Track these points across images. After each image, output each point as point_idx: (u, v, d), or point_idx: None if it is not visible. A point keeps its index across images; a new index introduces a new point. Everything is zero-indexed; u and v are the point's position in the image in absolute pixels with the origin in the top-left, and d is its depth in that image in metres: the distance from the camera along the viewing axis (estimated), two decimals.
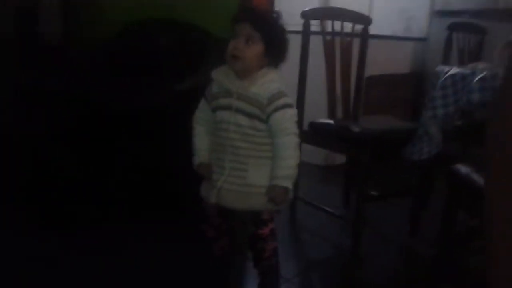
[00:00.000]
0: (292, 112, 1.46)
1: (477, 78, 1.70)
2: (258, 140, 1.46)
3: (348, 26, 2.35)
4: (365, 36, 2.44)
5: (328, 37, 2.31)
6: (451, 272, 1.72)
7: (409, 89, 3.77)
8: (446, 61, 2.46)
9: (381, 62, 3.28)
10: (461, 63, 2.59)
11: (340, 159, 3.01)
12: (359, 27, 2.42)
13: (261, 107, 1.44)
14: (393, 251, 2.25)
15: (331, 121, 2.26)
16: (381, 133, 2.10)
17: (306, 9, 2.24)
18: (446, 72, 1.88)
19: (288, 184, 1.43)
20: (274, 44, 1.46)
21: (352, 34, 2.39)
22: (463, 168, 1.57)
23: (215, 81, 1.53)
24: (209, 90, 1.55)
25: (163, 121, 2.17)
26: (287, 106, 1.45)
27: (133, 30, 2.68)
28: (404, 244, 2.30)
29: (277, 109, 1.43)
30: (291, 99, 1.49)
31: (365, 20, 2.43)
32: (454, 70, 1.86)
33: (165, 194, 2.18)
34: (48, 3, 2.98)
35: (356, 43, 2.41)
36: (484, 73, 1.70)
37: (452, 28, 2.51)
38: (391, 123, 2.35)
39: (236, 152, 1.47)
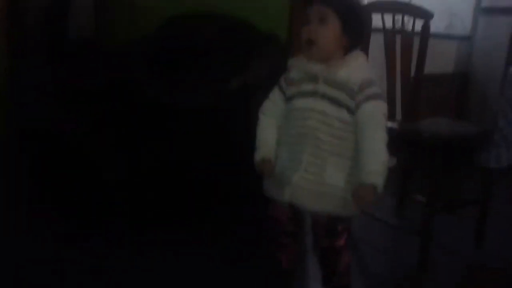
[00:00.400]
0: (384, 105, 1.32)
1: None
2: (343, 135, 1.31)
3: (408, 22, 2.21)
4: (425, 32, 2.27)
5: (390, 34, 2.16)
6: None
7: (454, 89, 3.60)
8: (509, 60, 2.28)
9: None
10: None
11: None
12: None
13: (351, 94, 1.29)
14: (459, 264, 2.08)
15: (394, 124, 2.09)
16: (453, 137, 1.93)
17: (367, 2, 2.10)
18: None
19: (381, 181, 1.26)
20: (351, 18, 1.32)
21: (413, 31, 2.23)
22: None
23: (294, 67, 1.39)
24: (286, 77, 1.41)
25: (213, 119, 2.04)
26: (379, 96, 1.31)
27: (176, 25, 2.54)
28: (470, 257, 2.13)
29: (369, 99, 1.29)
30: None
31: (427, 14, 2.27)
32: None
33: (218, 196, 2.04)
34: None
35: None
36: None
37: None
38: (457, 126, 2.18)
39: (317, 145, 1.32)
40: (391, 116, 2.19)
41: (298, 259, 1.63)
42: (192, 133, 2.04)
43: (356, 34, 1.34)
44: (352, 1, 1.37)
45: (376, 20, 2.18)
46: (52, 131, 2.25)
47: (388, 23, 2.19)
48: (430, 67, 3.46)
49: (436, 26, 3.70)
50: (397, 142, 2.00)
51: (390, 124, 2.09)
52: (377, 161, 1.26)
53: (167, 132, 2.08)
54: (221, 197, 2.06)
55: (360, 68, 1.33)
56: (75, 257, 1.76)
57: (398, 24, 2.21)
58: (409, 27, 2.19)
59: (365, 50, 1.63)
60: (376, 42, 2.19)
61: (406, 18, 2.18)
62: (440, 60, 3.61)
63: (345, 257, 1.42)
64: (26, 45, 2.70)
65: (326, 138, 1.31)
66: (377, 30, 2.18)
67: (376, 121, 1.29)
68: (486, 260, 2.10)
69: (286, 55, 2.30)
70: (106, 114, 2.17)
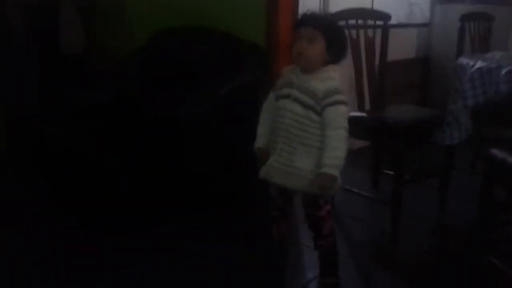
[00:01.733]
0: (345, 109, 1.64)
1: (504, 71, 1.91)
2: (309, 130, 1.65)
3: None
4: (386, 30, 2.62)
5: (353, 32, 2.50)
6: (489, 243, 1.94)
7: (416, 74, 3.98)
8: (460, 50, 2.65)
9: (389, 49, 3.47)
10: (473, 50, 2.79)
11: (359, 143, 3.21)
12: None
13: (316, 99, 1.62)
14: (427, 227, 2.47)
15: (363, 114, 2.45)
16: (412, 122, 2.30)
17: (334, 11, 2.42)
18: (473, 66, 2.08)
19: (336, 172, 1.60)
20: (334, 40, 1.66)
21: (374, 31, 2.57)
22: (498, 153, 1.78)
23: (284, 75, 1.75)
24: (278, 82, 1.76)
25: (207, 124, 2.32)
26: (340, 102, 1.63)
27: (163, 38, 2.80)
28: (435, 220, 2.53)
29: (331, 104, 1.61)
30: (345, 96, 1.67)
31: (386, 17, 2.62)
32: (479, 63, 2.07)
33: (216, 196, 2.35)
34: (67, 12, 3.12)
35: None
36: (510, 66, 1.91)
37: (464, 18, 2.71)
38: (416, 111, 2.55)
39: (288, 136, 1.67)
40: (360, 106, 2.56)
41: (289, 233, 1.98)
42: (189, 138, 2.29)
43: (336, 51, 1.67)
44: (334, 25, 1.71)
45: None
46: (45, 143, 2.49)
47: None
48: (395, 55, 3.84)
49: (397, 15, 4.09)
50: (367, 128, 2.39)
51: (360, 114, 2.48)
52: (334, 156, 1.60)
53: (164, 141, 2.31)
54: (220, 192, 2.35)
55: (328, 80, 1.64)
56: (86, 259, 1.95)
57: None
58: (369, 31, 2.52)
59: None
60: None
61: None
62: (403, 47, 3.98)
63: (327, 223, 1.76)
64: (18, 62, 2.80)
65: (295, 132, 1.65)
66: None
67: (335, 122, 1.61)
68: (449, 221, 2.50)
69: (266, 61, 2.64)
70: (104, 127, 2.43)
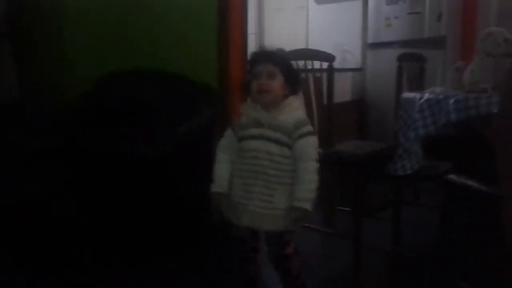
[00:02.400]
0: (315, 139, 1.66)
1: (452, 100, 2.03)
2: (285, 167, 1.63)
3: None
4: (331, 71, 2.73)
5: (303, 75, 2.57)
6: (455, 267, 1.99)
7: (354, 115, 4.14)
8: (399, 87, 2.79)
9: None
10: (410, 88, 2.95)
11: None
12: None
13: (289, 134, 1.62)
14: (386, 258, 2.52)
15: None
16: (367, 155, 2.37)
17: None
18: (420, 98, 2.20)
19: (309, 206, 1.59)
20: (290, 74, 1.70)
21: (321, 70, 2.67)
22: (456, 178, 1.87)
23: (244, 113, 1.72)
24: (238, 121, 1.73)
25: (165, 163, 2.28)
26: (310, 133, 1.65)
27: (111, 82, 2.76)
28: (391, 251, 2.58)
29: (301, 136, 1.62)
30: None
31: (330, 58, 2.73)
32: (427, 95, 2.19)
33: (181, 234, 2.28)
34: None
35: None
36: (458, 96, 2.03)
37: (401, 58, 2.87)
38: (367, 145, 2.64)
39: (267, 179, 1.63)
40: None
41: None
42: (148, 177, 2.25)
43: (293, 84, 1.70)
44: (288, 59, 1.74)
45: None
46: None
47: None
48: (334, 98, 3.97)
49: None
50: (322, 163, 2.42)
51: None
52: (307, 189, 1.60)
53: (120, 182, 2.26)
54: (182, 231, 2.30)
55: (294, 111, 1.67)
56: None
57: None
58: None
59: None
60: None
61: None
62: (339, 91, 4.14)
63: (295, 262, 1.72)
64: None
65: (273, 173, 1.62)
66: None
67: (307, 154, 1.62)
68: (405, 251, 2.56)
69: (219, 100, 2.65)
70: (53, 172, 2.33)
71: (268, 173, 1.62)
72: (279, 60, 1.68)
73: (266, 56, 1.70)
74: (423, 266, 2.32)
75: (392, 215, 2.62)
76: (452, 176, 1.90)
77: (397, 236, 2.61)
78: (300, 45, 4.19)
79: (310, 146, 1.63)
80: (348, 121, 4.04)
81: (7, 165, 2.35)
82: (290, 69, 1.71)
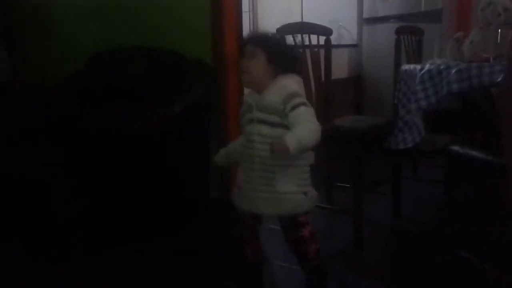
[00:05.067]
0: (307, 109, 1.55)
1: (454, 70, 1.98)
2: None
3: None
4: (328, 45, 2.67)
5: (301, 50, 2.52)
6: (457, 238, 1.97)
7: (351, 91, 4.10)
8: (397, 60, 2.74)
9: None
10: (408, 61, 2.91)
11: None
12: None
13: (280, 113, 1.55)
14: (382, 232, 2.50)
15: None
16: (365, 129, 2.32)
17: (280, 26, 2.43)
18: (421, 69, 2.15)
19: (291, 146, 1.44)
20: (276, 53, 1.62)
21: (318, 46, 2.61)
22: (460, 148, 1.83)
23: (244, 100, 1.68)
24: (241, 109, 1.68)
25: (161, 140, 2.23)
26: (302, 104, 1.55)
27: (105, 60, 2.70)
28: (393, 225, 2.56)
29: (293, 108, 1.53)
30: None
31: (327, 32, 2.67)
32: (428, 66, 2.14)
33: (177, 212, 2.25)
34: None
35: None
36: (460, 66, 1.98)
37: (399, 31, 2.82)
38: (366, 120, 2.59)
39: (263, 162, 1.58)
40: None
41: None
42: (145, 155, 2.21)
43: (282, 63, 1.62)
44: (276, 40, 1.67)
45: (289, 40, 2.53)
46: None
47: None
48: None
49: None
50: (322, 139, 2.38)
51: None
52: (296, 138, 1.46)
53: (118, 158, 2.23)
54: (179, 210, 2.26)
55: (282, 88, 1.58)
56: None
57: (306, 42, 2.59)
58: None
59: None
60: None
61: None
62: (336, 68, 4.09)
63: (312, 246, 1.66)
64: None
65: (267, 154, 1.53)
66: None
67: (301, 121, 1.51)
68: (405, 225, 2.54)
69: (214, 76, 2.60)
70: (47, 151, 2.28)
71: (262, 155, 1.57)
72: (261, 40, 1.63)
73: (249, 37, 1.68)
74: (425, 240, 2.30)
75: (392, 190, 2.60)
76: (456, 147, 1.86)
77: (397, 211, 2.58)
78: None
79: (303, 114, 1.53)
80: (346, 98, 4.00)
81: None
82: (275, 48, 1.63)
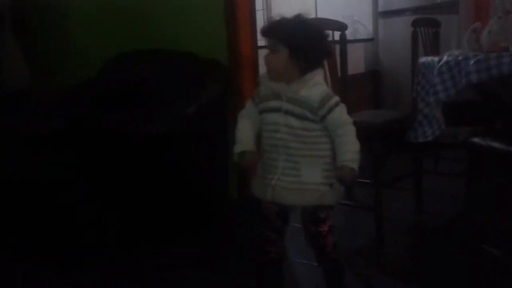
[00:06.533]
0: (343, 108, 1.57)
1: (473, 61, 1.95)
2: (309, 140, 1.56)
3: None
4: (343, 40, 2.65)
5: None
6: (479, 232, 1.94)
7: (368, 86, 4.06)
8: (415, 53, 2.71)
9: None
10: (426, 54, 2.86)
11: None
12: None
13: (312, 110, 1.53)
14: (407, 229, 2.47)
15: None
16: (385, 123, 2.30)
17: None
18: (439, 61, 2.12)
19: (355, 166, 1.50)
20: (300, 46, 1.54)
21: (334, 41, 2.59)
22: (481, 140, 1.80)
23: (263, 84, 1.64)
24: (257, 92, 1.65)
25: (176, 142, 2.23)
26: (338, 104, 1.56)
27: (119, 64, 2.71)
28: (415, 221, 2.53)
29: (331, 110, 1.53)
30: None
31: (343, 27, 2.65)
32: (446, 58, 2.11)
33: (196, 214, 2.25)
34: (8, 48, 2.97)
35: None
36: (478, 56, 1.95)
37: (415, 23, 2.78)
38: (385, 114, 2.56)
39: (288, 152, 1.56)
40: None
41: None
42: (160, 157, 2.21)
43: (306, 57, 1.55)
44: (300, 30, 1.57)
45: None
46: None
47: None
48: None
49: None
50: None
51: None
52: (350, 151, 1.51)
53: (134, 164, 2.22)
54: (196, 210, 2.26)
55: (317, 86, 1.56)
56: None
57: None
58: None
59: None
60: None
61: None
62: (352, 63, 4.06)
63: (330, 240, 1.65)
64: None
65: (295, 145, 1.55)
66: None
67: (342, 122, 1.54)
68: (427, 220, 2.51)
69: (228, 76, 2.60)
70: (65, 156, 2.30)
71: (289, 146, 1.56)
72: (282, 32, 1.56)
73: (269, 28, 1.60)
74: (447, 234, 2.27)
75: (413, 185, 2.56)
76: (477, 139, 1.83)
77: (419, 206, 2.55)
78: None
79: (342, 114, 1.55)
80: (363, 93, 3.96)
81: (17, 152, 2.33)
82: (299, 41, 1.55)
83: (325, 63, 2.37)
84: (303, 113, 1.54)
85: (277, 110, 1.58)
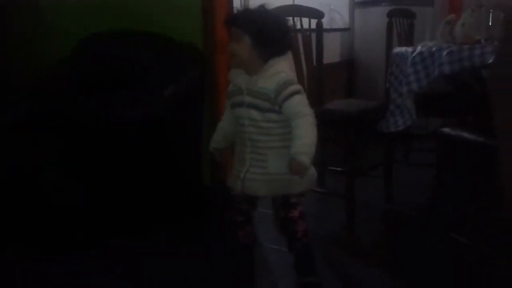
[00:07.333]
0: (301, 97, 1.57)
1: (446, 52, 1.97)
2: (274, 131, 1.59)
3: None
4: (320, 28, 2.66)
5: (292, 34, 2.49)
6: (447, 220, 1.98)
7: (343, 75, 4.09)
8: (389, 43, 2.73)
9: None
10: (400, 44, 2.89)
11: None
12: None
13: (270, 100, 1.56)
14: (378, 216, 2.52)
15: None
16: (358, 112, 2.32)
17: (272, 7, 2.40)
18: (413, 52, 2.14)
19: (304, 159, 1.50)
20: (262, 35, 1.56)
21: (310, 29, 2.59)
22: (451, 130, 1.83)
23: (231, 81, 1.66)
24: (229, 89, 1.68)
25: (153, 126, 2.20)
26: (294, 93, 1.56)
27: (93, 44, 2.64)
28: (385, 209, 2.57)
29: (286, 98, 1.54)
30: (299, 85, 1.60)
31: (319, 15, 2.65)
32: (419, 48, 2.13)
33: (172, 196, 2.24)
34: None
35: None
36: (451, 47, 1.98)
37: (390, 14, 2.81)
38: (359, 104, 2.58)
39: (255, 145, 1.60)
40: None
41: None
42: (135, 141, 2.19)
43: (268, 46, 1.57)
44: (260, 20, 1.58)
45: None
46: None
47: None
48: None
49: None
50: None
51: None
52: (300, 144, 1.52)
53: (110, 146, 2.20)
54: (172, 195, 2.25)
55: (277, 75, 1.57)
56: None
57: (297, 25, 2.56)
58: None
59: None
60: None
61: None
62: (328, 52, 4.08)
63: (301, 226, 1.67)
64: None
65: (259, 138, 1.59)
66: None
67: (295, 112, 1.54)
68: (397, 208, 2.55)
69: (206, 61, 2.57)
70: (35, 143, 2.25)
71: (255, 139, 1.60)
72: (244, 22, 1.58)
73: (232, 18, 1.63)
74: (417, 223, 2.31)
75: (384, 174, 2.60)
76: (447, 129, 1.86)
77: (390, 194, 2.59)
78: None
79: (297, 104, 1.55)
80: (338, 82, 3.98)
81: None
82: (262, 30, 1.57)
83: (295, 53, 2.40)
84: (262, 105, 1.57)
85: (241, 104, 1.61)
